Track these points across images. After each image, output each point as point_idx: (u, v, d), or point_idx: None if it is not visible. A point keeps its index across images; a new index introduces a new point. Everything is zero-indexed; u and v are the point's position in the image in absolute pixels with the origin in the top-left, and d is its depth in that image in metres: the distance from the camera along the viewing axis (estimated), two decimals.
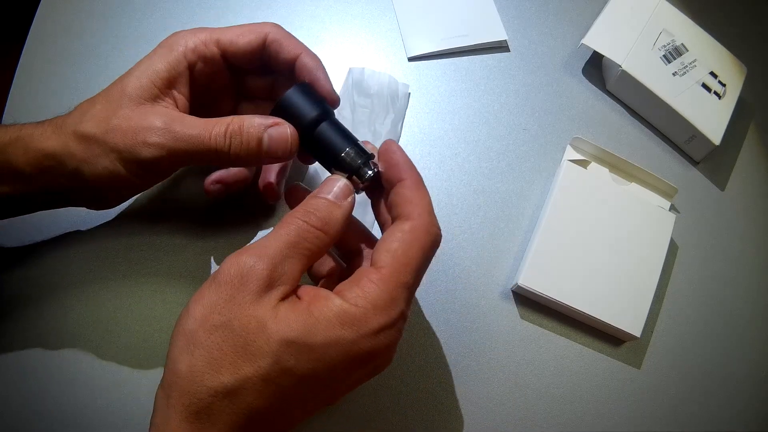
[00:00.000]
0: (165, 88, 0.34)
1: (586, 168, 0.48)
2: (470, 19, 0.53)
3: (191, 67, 0.35)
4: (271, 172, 0.41)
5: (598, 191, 0.46)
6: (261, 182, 0.41)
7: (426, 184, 0.32)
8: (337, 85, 0.37)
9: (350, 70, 0.48)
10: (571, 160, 0.47)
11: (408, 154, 0.32)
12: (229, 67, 0.37)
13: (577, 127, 0.51)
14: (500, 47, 0.53)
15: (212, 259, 0.42)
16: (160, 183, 0.38)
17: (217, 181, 0.40)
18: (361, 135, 0.46)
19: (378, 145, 0.34)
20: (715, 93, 0.50)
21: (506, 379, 0.42)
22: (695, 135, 0.49)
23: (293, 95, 0.33)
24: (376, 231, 0.42)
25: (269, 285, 0.28)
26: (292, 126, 0.33)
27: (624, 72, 0.49)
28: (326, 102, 0.35)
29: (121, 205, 0.42)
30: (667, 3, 0.53)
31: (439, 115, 0.50)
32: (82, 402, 0.38)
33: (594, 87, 0.53)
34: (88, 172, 0.32)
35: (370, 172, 0.32)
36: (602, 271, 0.43)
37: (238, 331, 0.27)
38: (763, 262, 0.49)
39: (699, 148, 0.50)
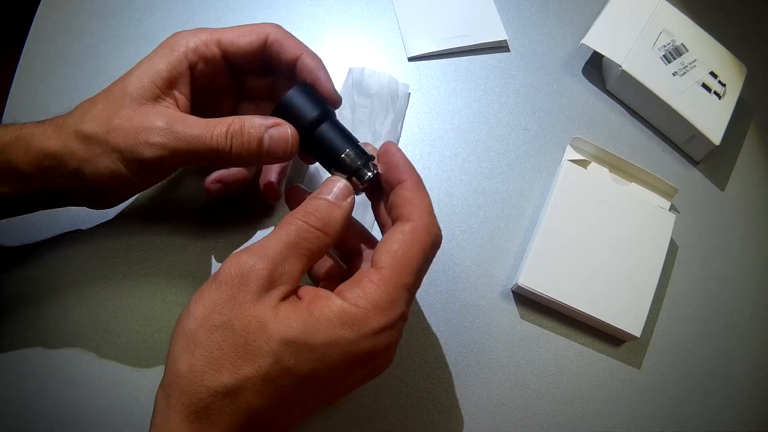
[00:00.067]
0: (166, 88, 0.34)
1: (586, 168, 0.48)
2: (470, 19, 0.53)
3: (192, 68, 0.35)
4: (271, 172, 0.41)
5: (598, 191, 0.46)
6: (261, 182, 0.41)
7: (426, 184, 0.32)
8: (337, 85, 0.37)
9: (350, 70, 0.48)
10: (571, 160, 0.47)
11: (408, 154, 0.32)
12: (230, 68, 0.37)
13: (577, 127, 0.51)
14: (500, 47, 0.53)
15: (212, 260, 0.42)
16: (160, 183, 0.38)
17: (218, 181, 0.40)
18: (361, 135, 0.46)
19: (378, 145, 0.34)
20: (715, 93, 0.50)
21: (506, 379, 0.42)
22: (695, 135, 0.49)
23: (294, 95, 0.33)
24: (376, 232, 0.42)
25: (269, 285, 0.28)
26: (292, 126, 0.33)
27: (624, 72, 0.49)
28: (327, 102, 0.35)
29: (121, 205, 0.42)
30: (667, 3, 0.53)
31: (439, 115, 0.50)
32: (82, 402, 0.38)
33: (594, 87, 0.53)
34: (89, 172, 0.33)
35: (369, 174, 0.32)
36: (602, 271, 0.43)
37: (239, 331, 0.27)
38: (763, 262, 0.49)
39: (699, 148, 0.50)
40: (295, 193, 0.36)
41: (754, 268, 0.49)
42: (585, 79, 0.53)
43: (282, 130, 0.33)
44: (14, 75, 0.46)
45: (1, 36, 0.88)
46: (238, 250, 0.29)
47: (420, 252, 0.30)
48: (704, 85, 0.50)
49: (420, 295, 0.43)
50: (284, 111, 0.33)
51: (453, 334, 0.43)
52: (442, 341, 0.42)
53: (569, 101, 0.52)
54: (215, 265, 0.42)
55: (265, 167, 0.41)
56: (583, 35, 0.51)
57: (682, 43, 0.51)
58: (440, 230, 0.31)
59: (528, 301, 0.44)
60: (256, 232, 0.44)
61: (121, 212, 0.43)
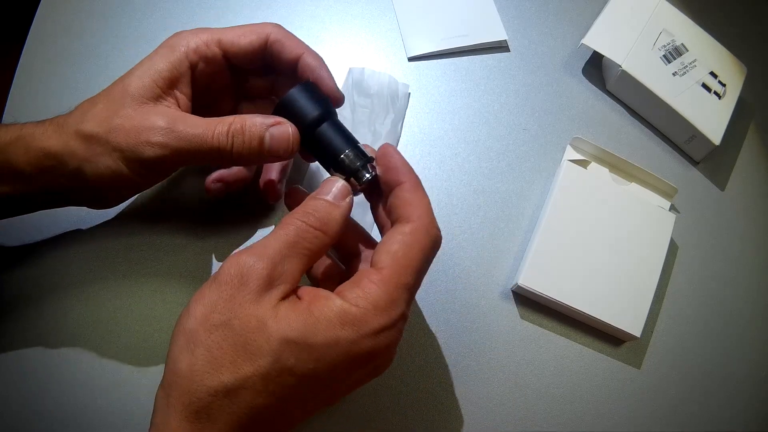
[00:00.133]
0: (167, 87, 0.34)
1: (586, 168, 0.48)
2: (470, 19, 0.53)
3: (193, 68, 0.35)
4: (272, 171, 0.41)
5: (598, 191, 0.46)
6: (262, 181, 0.41)
7: (426, 185, 0.32)
8: (338, 85, 0.37)
9: (350, 70, 0.48)
10: (571, 160, 0.47)
11: (408, 154, 0.32)
12: (231, 68, 0.37)
13: (577, 127, 0.51)
14: (500, 47, 0.53)
15: (212, 260, 0.42)
16: (160, 183, 0.38)
17: (218, 180, 0.40)
18: (361, 135, 0.46)
19: (378, 145, 0.34)
20: (715, 93, 0.50)
21: (506, 379, 0.42)
22: (695, 135, 0.49)
23: (296, 94, 0.33)
24: (375, 234, 0.42)
25: (269, 284, 0.28)
26: (293, 125, 0.33)
27: (624, 72, 0.49)
28: (330, 102, 0.35)
29: (121, 205, 0.42)
30: (667, 3, 0.53)
31: (439, 115, 0.50)
32: (82, 402, 0.38)
33: (594, 87, 0.53)
34: (90, 172, 0.33)
35: (367, 176, 0.33)
36: (602, 271, 0.43)
37: (238, 330, 0.27)
38: (763, 262, 0.49)
39: (699, 148, 0.50)
40: (295, 194, 0.36)
41: (754, 268, 0.49)
42: (585, 79, 0.53)
43: (283, 129, 0.33)
44: (14, 75, 0.46)
45: (1, 36, 0.88)
46: (237, 250, 0.29)
47: (420, 253, 0.30)
48: (704, 85, 0.50)
49: (420, 295, 0.43)
50: (286, 109, 0.33)
51: (453, 334, 0.43)
52: (442, 341, 0.42)
53: (569, 101, 0.52)
54: (215, 265, 0.42)
55: (265, 166, 0.41)
56: (583, 35, 0.51)
57: (682, 43, 0.51)
58: (440, 231, 0.31)
59: (528, 301, 0.44)
60: (256, 232, 0.44)
61: (121, 212, 0.43)
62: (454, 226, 0.46)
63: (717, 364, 0.45)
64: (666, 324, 0.45)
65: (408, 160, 0.32)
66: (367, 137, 0.46)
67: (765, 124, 0.54)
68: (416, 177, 0.32)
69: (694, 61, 0.51)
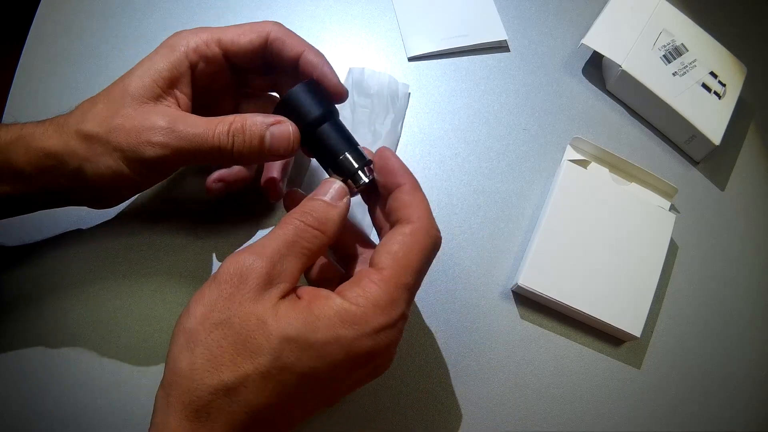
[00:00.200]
0: (167, 87, 0.34)
1: (586, 168, 0.48)
2: (470, 19, 0.53)
3: (193, 67, 0.35)
4: (273, 170, 0.41)
5: (598, 191, 0.46)
6: (263, 179, 0.41)
7: (426, 185, 0.32)
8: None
9: (350, 70, 0.48)
10: (571, 160, 0.47)
11: (408, 154, 0.33)
12: (231, 67, 0.37)
13: (577, 127, 0.51)
14: (500, 47, 0.53)
15: (212, 260, 0.42)
16: (160, 183, 0.38)
17: (219, 180, 0.40)
18: (361, 135, 0.46)
19: (378, 145, 0.34)
20: (715, 93, 0.50)
21: (506, 379, 0.42)
22: (695, 135, 0.49)
23: (298, 92, 0.33)
24: (374, 236, 0.42)
25: (268, 282, 0.28)
26: (293, 124, 0.33)
27: (624, 72, 0.49)
28: (332, 102, 0.35)
29: (121, 205, 0.42)
30: (667, 3, 0.53)
31: (439, 115, 0.50)
32: (82, 402, 0.38)
33: (594, 87, 0.53)
34: (91, 171, 0.33)
35: (364, 179, 0.33)
36: (602, 271, 0.43)
37: (238, 328, 0.27)
38: (763, 262, 0.49)
39: (699, 148, 0.50)
40: (293, 197, 0.36)
41: (754, 268, 0.49)
42: (585, 79, 0.53)
43: (283, 128, 0.33)
44: (14, 75, 0.46)
45: (1, 36, 0.88)
46: (237, 250, 0.29)
47: (420, 253, 0.30)
48: (704, 85, 0.50)
49: (420, 295, 0.43)
50: (287, 107, 0.34)
51: (453, 334, 0.43)
52: (442, 341, 0.42)
53: (569, 101, 0.52)
54: (215, 265, 0.42)
55: (267, 165, 0.42)
56: (583, 35, 0.51)
57: (682, 43, 0.51)
58: (439, 232, 0.31)
59: (528, 301, 0.44)
60: (256, 232, 0.44)
61: (121, 212, 0.43)
62: (454, 226, 0.46)
63: (717, 364, 0.45)
64: (666, 324, 0.45)
65: (408, 160, 0.33)
66: (367, 137, 0.46)
67: (765, 124, 0.54)
68: (415, 179, 0.32)
69: (694, 61, 0.51)
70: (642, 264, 0.44)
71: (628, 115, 0.52)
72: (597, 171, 0.48)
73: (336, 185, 0.32)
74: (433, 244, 0.31)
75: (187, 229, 0.43)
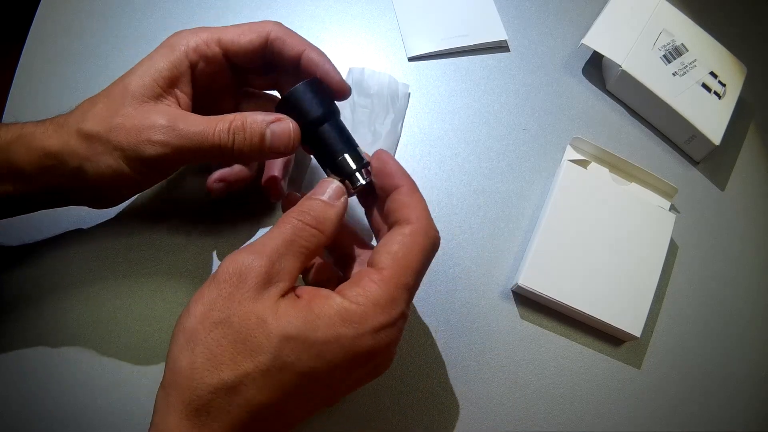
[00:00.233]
0: (167, 87, 0.34)
1: (586, 168, 0.48)
2: (470, 19, 0.53)
3: (193, 67, 0.35)
4: (274, 168, 0.41)
5: (598, 191, 0.46)
6: (264, 177, 0.41)
7: (426, 185, 0.32)
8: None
9: (350, 70, 0.48)
10: (571, 160, 0.47)
11: (408, 154, 0.33)
12: (231, 66, 0.37)
13: (577, 127, 0.51)
14: (500, 47, 0.53)
15: (212, 259, 0.42)
16: (160, 183, 0.38)
17: (220, 180, 0.40)
18: (361, 135, 0.46)
19: (378, 145, 0.34)
20: (715, 93, 0.50)
21: (506, 379, 0.42)
22: (695, 135, 0.49)
23: (300, 91, 0.33)
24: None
25: (267, 281, 0.28)
26: (294, 122, 0.33)
27: (624, 72, 0.49)
28: (333, 101, 0.35)
29: (121, 205, 0.42)
30: (667, 3, 0.53)
31: (439, 115, 0.50)
32: (82, 402, 0.38)
33: (594, 87, 0.53)
34: (91, 171, 0.33)
35: (362, 180, 0.33)
36: (602, 271, 0.43)
37: (238, 327, 0.27)
38: (763, 262, 0.49)
39: (699, 148, 0.50)
40: (292, 200, 0.36)
41: (754, 268, 0.49)
42: (585, 79, 0.53)
43: (284, 126, 0.33)
44: (14, 75, 0.46)
45: (1, 36, 0.88)
46: (237, 250, 0.29)
47: (420, 254, 0.30)
48: (704, 85, 0.50)
49: (420, 295, 0.43)
50: (288, 105, 0.34)
51: (453, 334, 0.43)
52: (442, 341, 0.42)
53: (569, 101, 0.52)
54: (215, 265, 0.42)
55: (267, 163, 0.42)
56: (583, 35, 0.51)
57: (682, 43, 0.51)
58: (438, 233, 0.31)
59: (528, 301, 0.44)
60: (256, 232, 0.44)
61: (121, 212, 0.43)
62: (454, 226, 0.46)
63: (717, 364, 0.45)
64: (666, 324, 0.45)
65: (408, 160, 0.33)
66: (367, 137, 0.46)
67: (765, 124, 0.54)
68: (412, 181, 0.32)
69: (694, 61, 0.51)
70: (642, 264, 0.44)
71: (628, 115, 0.52)
72: (597, 171, 0.48)
73: (334, 185, 0.32)
74: (432, 245, 0.31)
75: (187, 229, 0.43)
